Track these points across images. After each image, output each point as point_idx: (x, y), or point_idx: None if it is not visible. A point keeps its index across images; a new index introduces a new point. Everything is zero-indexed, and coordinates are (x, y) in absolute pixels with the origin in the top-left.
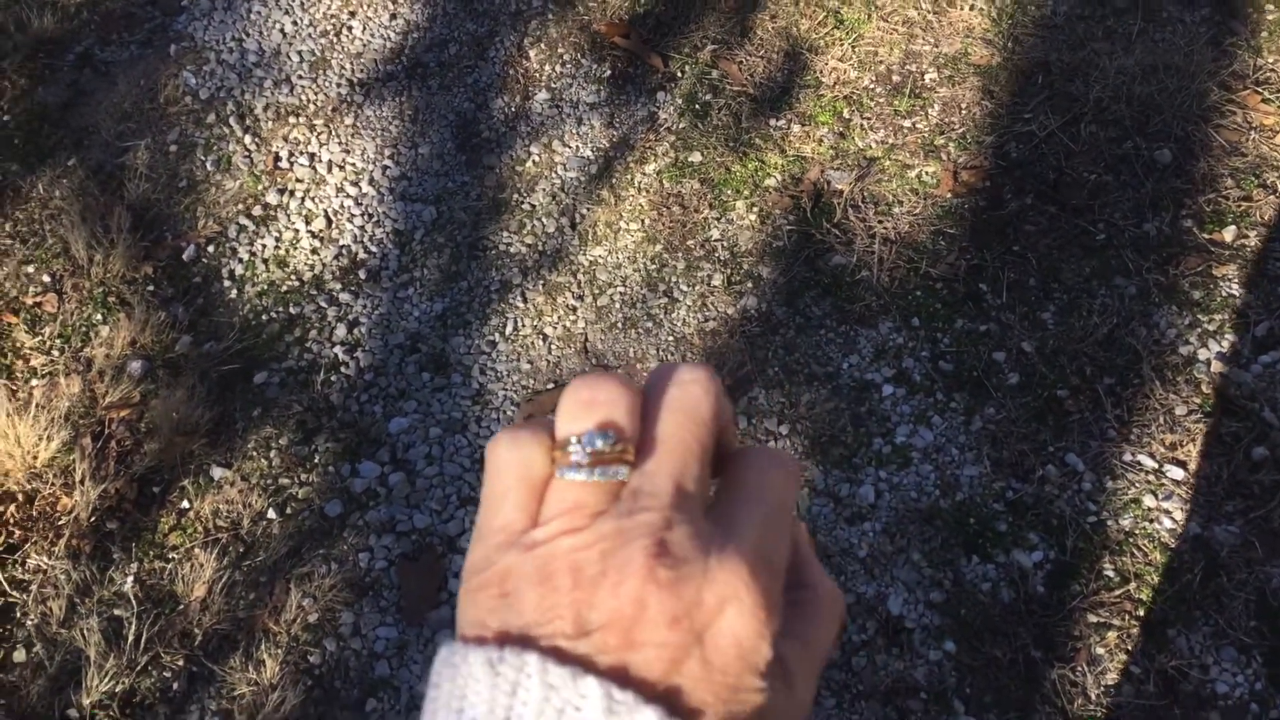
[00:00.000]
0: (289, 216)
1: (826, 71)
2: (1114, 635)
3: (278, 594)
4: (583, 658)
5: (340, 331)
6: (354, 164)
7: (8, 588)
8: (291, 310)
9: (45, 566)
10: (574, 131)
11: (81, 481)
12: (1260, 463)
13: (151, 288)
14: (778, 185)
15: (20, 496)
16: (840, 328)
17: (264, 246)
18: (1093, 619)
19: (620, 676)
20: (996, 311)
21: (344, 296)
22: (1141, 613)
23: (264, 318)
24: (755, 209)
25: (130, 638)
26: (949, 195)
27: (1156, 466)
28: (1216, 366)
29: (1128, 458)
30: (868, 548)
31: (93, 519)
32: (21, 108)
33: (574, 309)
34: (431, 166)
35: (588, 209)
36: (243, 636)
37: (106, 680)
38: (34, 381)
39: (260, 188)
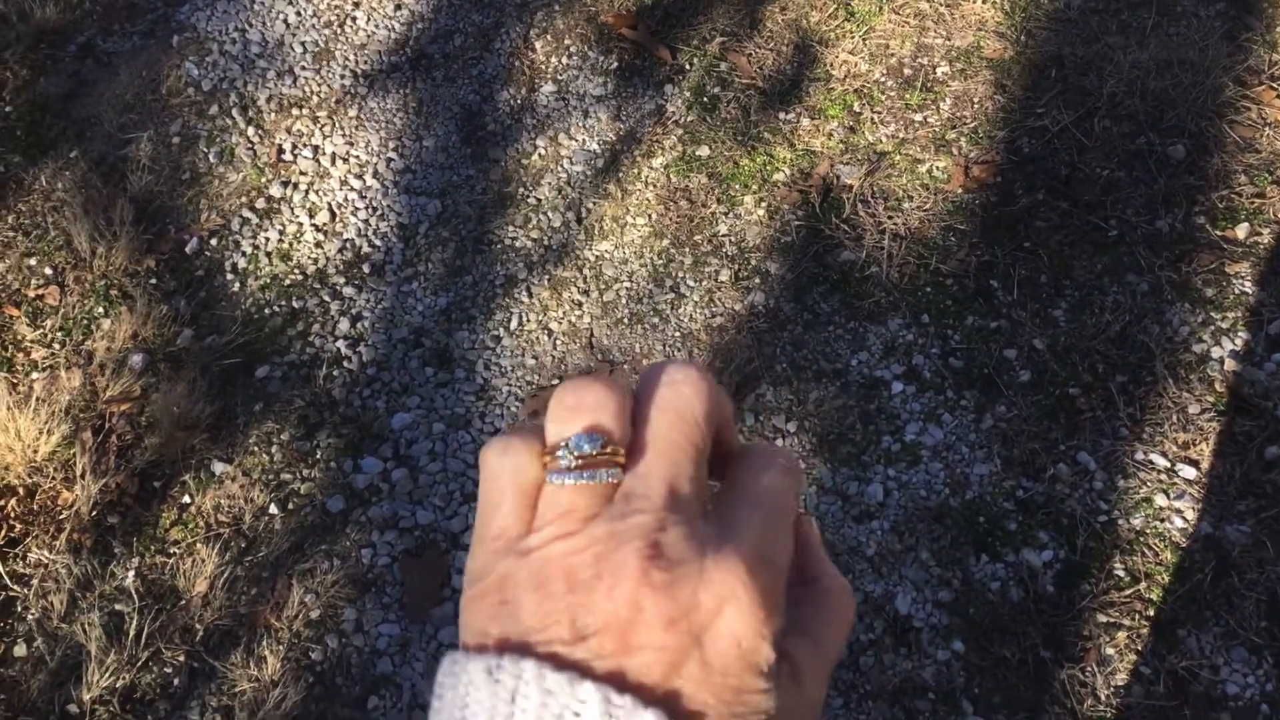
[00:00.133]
0: (292, 209)
1: (837, 64)
2: (1124, 635)
3: (279, 590)
4: (580, 663)
5: (343, 326)
6: (358, 156)
7: (8, 582)
8: (294, 304)
9: (46, 561)
10: (580, 124)
11: (82, 475)
12: (1273, 462)
13: (153, 281)
14: (786, 180)
15: (21, 490)
16: (849, 324)
17: (267, 240)
18: (1103, 619)
19: (618, 680)
20: (1007, 308)
21: (347, 290)
22: (1152, 613)
23: (266, 311)
24: (764, 204)
25: (131, 633)
26: (960, 190)
27: (1168, 465)
28: (1230, 365)
29: (1140, 456)
30: (876, 546)
31: (94, 513)
32: (23, 99)
33: (579, 304)
34: (436, 159)
35: (594, 203)
36: (244, 632)
37: (107, 675)
38: (35, 374)
39: (263, 180)
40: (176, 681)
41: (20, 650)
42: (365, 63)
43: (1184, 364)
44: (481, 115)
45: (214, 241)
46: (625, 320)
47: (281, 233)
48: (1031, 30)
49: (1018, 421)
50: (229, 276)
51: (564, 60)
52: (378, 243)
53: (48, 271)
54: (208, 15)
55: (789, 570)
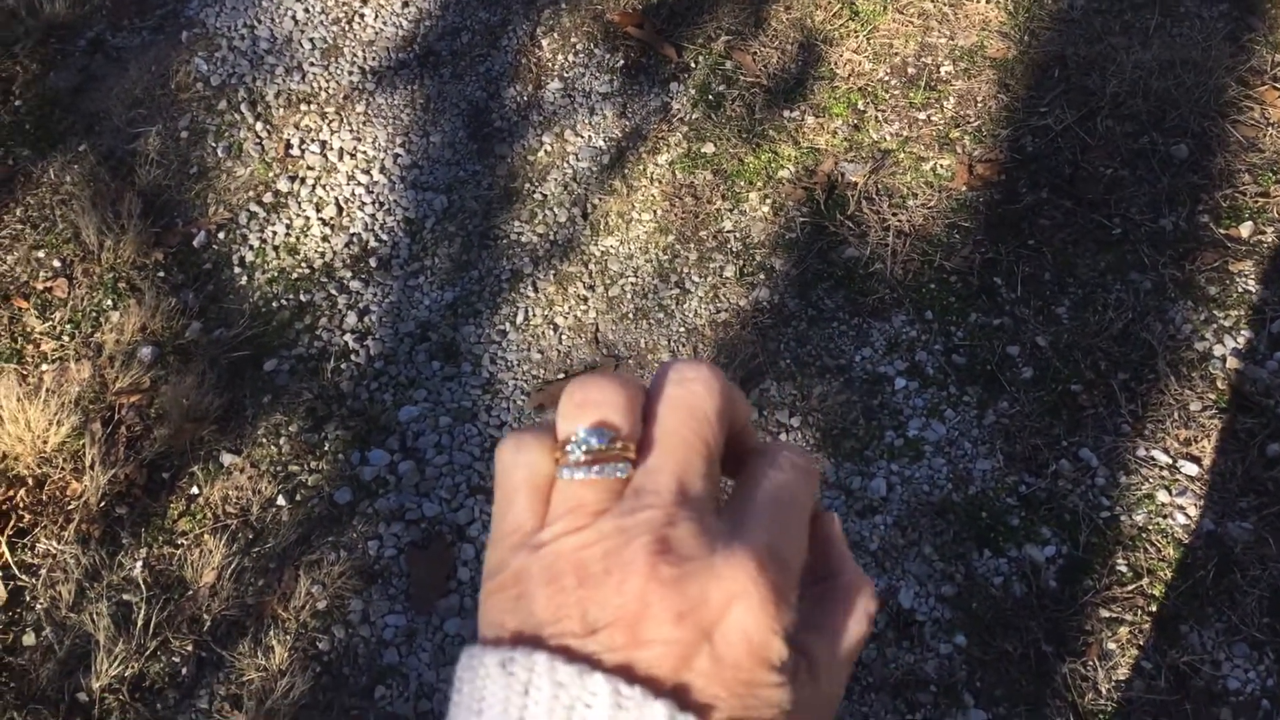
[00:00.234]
0: (300, 204)
1: (841, 63)
2: (1126, 630)
3: (287, 580)
4: (591, 655)
5: (350, 319)
6: (365, 152)
7: (18, 572)
8: (302, 298)
9: (55, 551)
10: (586, 121)
11: (91, 467)
12: (1275, 459)
13: (162, 274)
14: (791, 177)
15: (30, 481)
16: (853, 320)
17: (275, 234)
18: (1105, 614)
19: (628, 673)
20: (1011, 305)
21: (354, 284)
22: (1154, 608)
23: (274, 305)
24: (768, 200)
25: (139, 623)
26: (964, 188)
27: (1170, 462)
28: (1232, 362)
29: (1142, 453)
30: (879, 541)
31: (102, 504)
32: (33, 93)
33: (585, 299)
34: (443, 155)
35: (600, 199)
36: (251, 622)
37: (115, 665)
38: (44, 366)
39: (271, 175)
40: (184, 671)
41: (29, 639)
42: (373, 59)
43: (1186, 361)
44: (488, 112)
45: (222, 235)
46: (630, 315)
47: (289, 227)
48: (1035, 30)
49: (1020, 418)
50: (237, 270)
51: (570, 58)
52: (384, 237)
53: (56, 264)
54: (217, 11)
55: (810, 567)
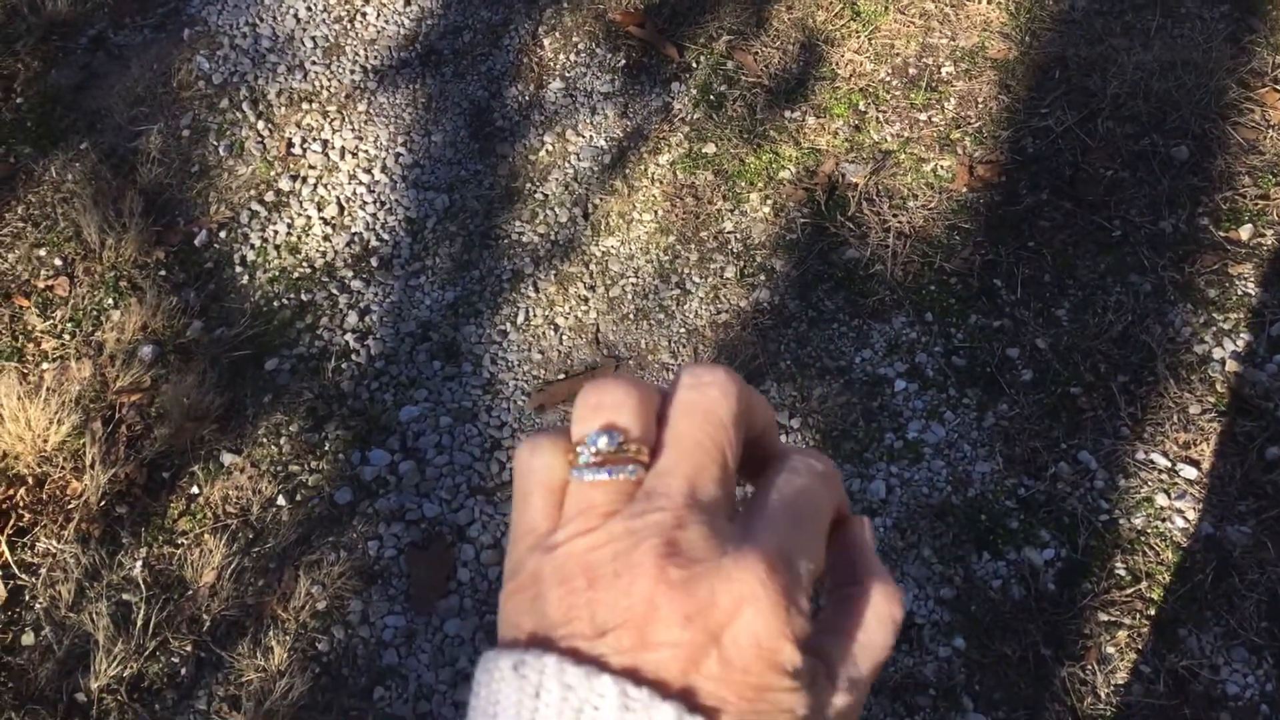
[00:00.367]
0: (301, 203)
1: (842, 64)
2: (1124, 634)
3: (286, 581)
4: (600, 658)
5: (351, 319)
6: (367, 151)
7: (17, 571)
8: (303, 297)
9: (54, 550)
10: (588, 121)
11: (91, 466)
12: (1274, 462)
13: (163, 272)
14: (792, 178)
15: (30, 480)
16: (853, 322)
17: (276, 233)
18: (1103, 617)
19: (636, 675)
20: (1010, 307)
21: (355, 284)
22: (1153, 612)
23: (275, 304)
24: (769, 201)
25: (139, 622)
26: (964, 190)
27: (1170, 465)
28: (1231, 365)
29: (1141, 456)
30: (878, 543)
31: (102, 503)
32: (34, 90)
33: (586, 299)
34: (444, 154)
35: (601, 199)
36: (251, 623)
37: (114, 664)
38: (45, 365)
39: (273, 174)
40: (184, 671)
41: (28, 639)
42: (375, 58)
43: (1185, 364)
44: (490, 111)
45: (223, 234)
46: (631, 316)
47: (290, 226)
48: (1036, 31)
49: (1020, 420)
50: (238, 269)
51: (572, 57)
52: (386, 237)
53: (57, 262)
54: (219, 9)
55: (837, 571)
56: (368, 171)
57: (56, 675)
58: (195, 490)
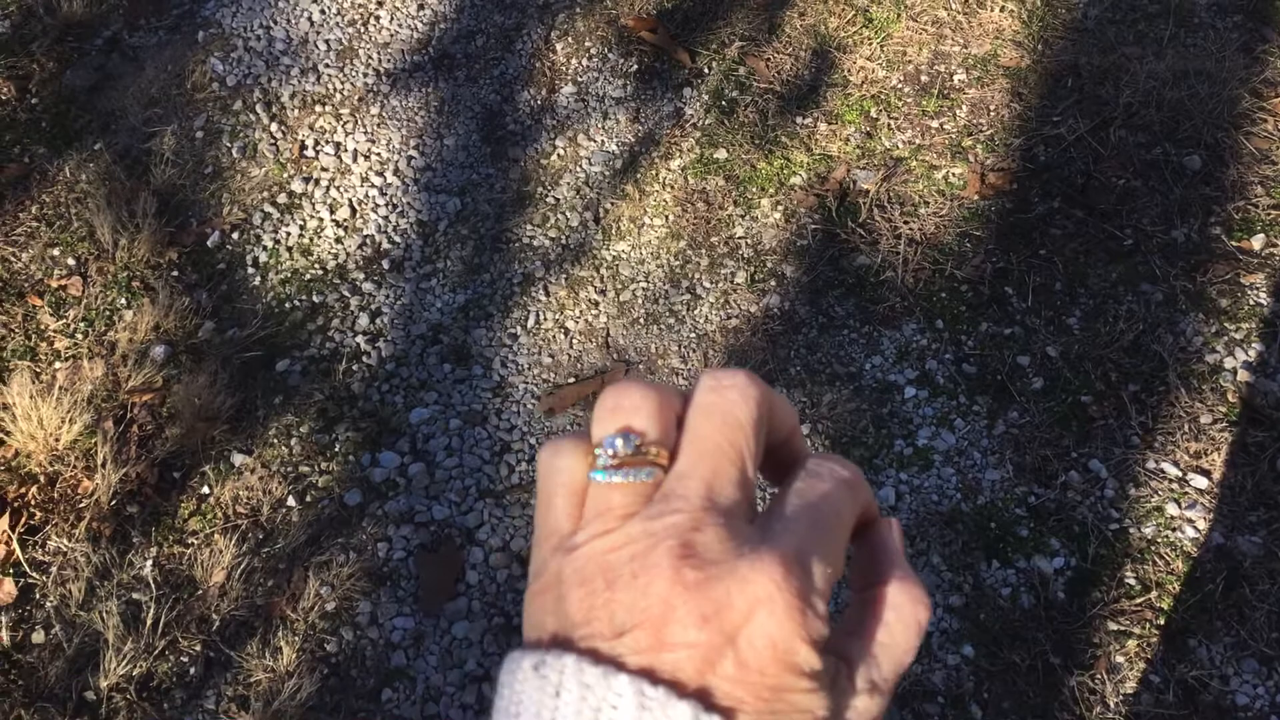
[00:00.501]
0: (313, 205)
1: (854, 70)
2: (1134, 643)
3: (296, 582)
4: (617, 658)
5: (363, 321)
6: (379, 154)
7: (28, 569)
8: (314, 299)
9: (65, 549)
10: (599, 126)
11: (103, 465)
12: None
13: (175, 273)
14: (803, 184)
15: (42, 478)
16: (863, 328)
17: (288, 234)
18: (1113, 627)
19: (653, 675)
20: (1021, 315)
21: (367, 286)
22: (1162, 621)
23: (287, 305)
24: (780, 207)
25: (148, 622)
26: (976, 197)
27: (1180, 475)
28: (1243, 375)
29: (1151, 465)
30: None
31: (113, 503)
32: (49, 91)
33: (596, 303)
34: (456, 158)
35: (612, 204)
36: (260, 623)
37: (124, 663)
38: (57, 364)
39: (285, 175)
40: (193, 670)
41: (39, 637)
42: (388, 61)
43: (1197, 374)
44: (502, 115)
45: (235, 235)
46: (641, 320)
47: (302, 228)
48: (1048, 39)
49: (1030, 428)
50: (250, 270)
51: (584, 62)
52: (397, 239)
53: (70, 262)
54: (233, 11)
55: (863, 573)
56: (380, 174)
57: (66, 673)
58: (206, 490)
